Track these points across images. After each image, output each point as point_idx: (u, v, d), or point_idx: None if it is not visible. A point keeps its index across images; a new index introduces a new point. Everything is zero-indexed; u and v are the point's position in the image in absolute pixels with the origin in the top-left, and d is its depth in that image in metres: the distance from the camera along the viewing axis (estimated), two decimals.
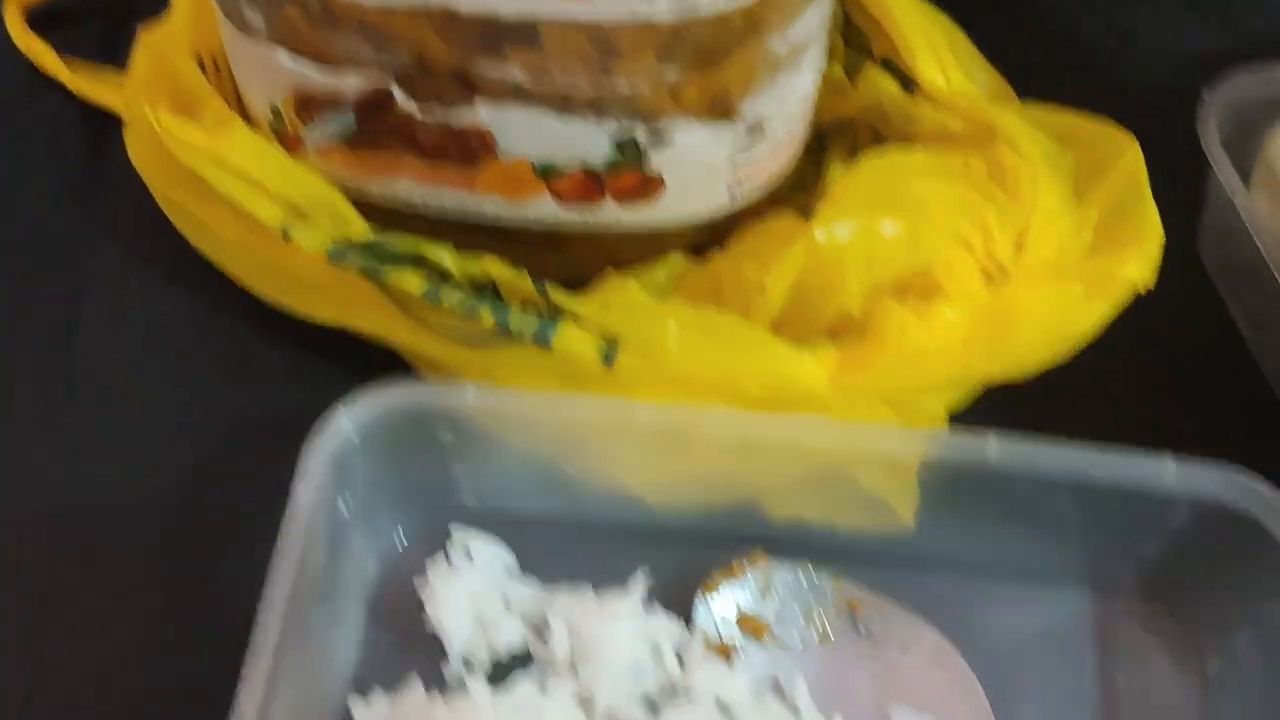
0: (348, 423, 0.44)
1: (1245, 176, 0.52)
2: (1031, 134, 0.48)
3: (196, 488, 0.50)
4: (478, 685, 0.44)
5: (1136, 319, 0.47)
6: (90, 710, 0.45)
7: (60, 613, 0.47)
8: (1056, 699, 0.46)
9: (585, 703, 0.44)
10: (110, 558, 0.48)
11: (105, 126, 0.58)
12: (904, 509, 0.46)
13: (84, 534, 0.49)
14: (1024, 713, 0.45)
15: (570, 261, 0.50)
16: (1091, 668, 0.46)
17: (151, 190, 0.53)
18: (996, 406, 0.47)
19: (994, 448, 0.43)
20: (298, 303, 0.51)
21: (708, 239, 0.50)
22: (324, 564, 0.44)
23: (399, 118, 0.45)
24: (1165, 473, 0.43)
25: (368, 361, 0.50)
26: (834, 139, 0.54)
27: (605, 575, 0.47)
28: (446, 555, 0.48)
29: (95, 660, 0.46)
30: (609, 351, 0.45)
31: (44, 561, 0.48)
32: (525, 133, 0.44)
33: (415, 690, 0.45)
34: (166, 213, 0.53)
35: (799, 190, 0.52)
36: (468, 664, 0.46)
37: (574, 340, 0.45)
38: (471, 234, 0.49)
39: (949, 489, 0.45)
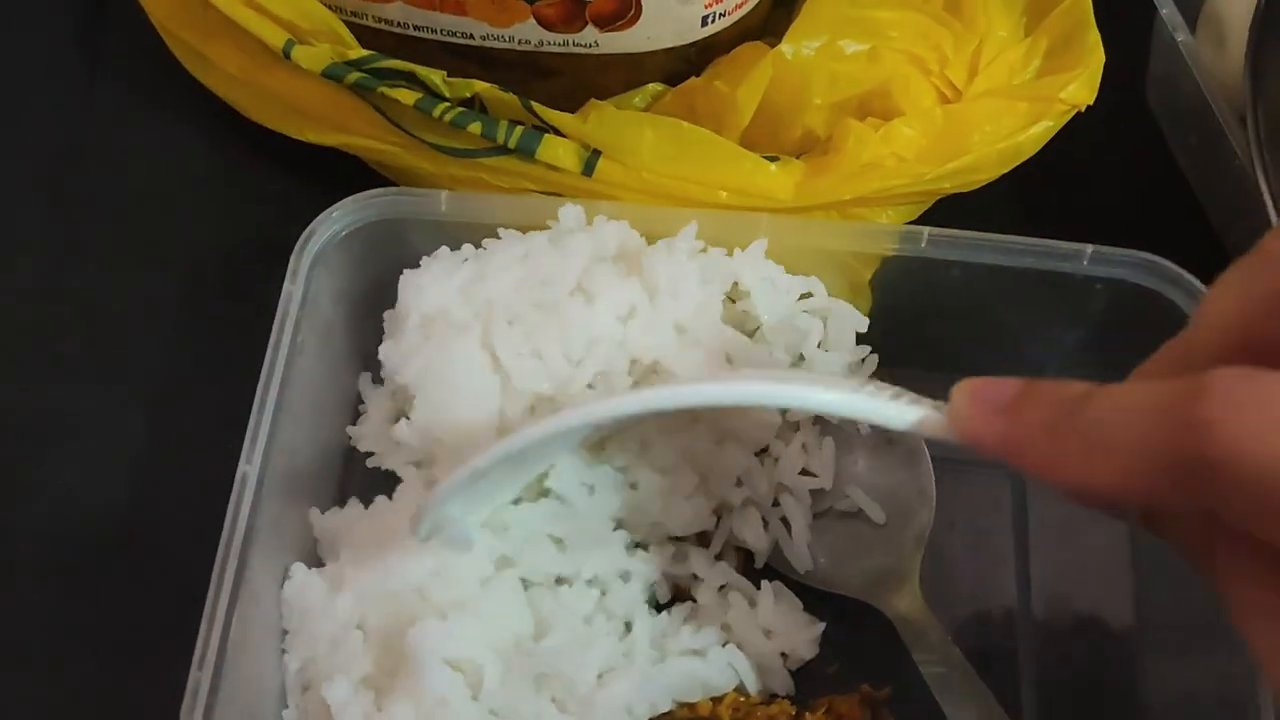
0: (331, 225, 0.48)
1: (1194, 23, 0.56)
2: None
3: (197, 291, 0.54)
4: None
5: (1084, 158, 0.51)
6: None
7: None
8: (986, 481, 0.50)
9: None
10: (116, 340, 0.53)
11: None
12: (860, 308, 0.49)
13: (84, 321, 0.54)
14: (960, 493, 0.49)
15: (554, 91, 0.52)
16: None
17: (155, 25, 0.56)
18: (946, 218, 0.50)
19: (926, 237, 0.47)
20: (297, 128, 0.54)
21: (684, 70, 0.53)
22: (313, 357, 0.47)
23: None
24: (1082, 256, 0.47)
25: (361, 184, 0.52)
26: None
27: None
28: None
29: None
30: (590, 160, 0.48)
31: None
32: None
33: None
34: (171, 48, 0.56)
35: (772, 35, 0.55)
36: None
37: (557, 150, 0.49)
38: (462, 63, 0.52)
39: (896, 288, 0.49)
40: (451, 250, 0.48)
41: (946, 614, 0.46)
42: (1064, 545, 0.49)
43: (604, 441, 0.46)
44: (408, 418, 0.45)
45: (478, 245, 0.49)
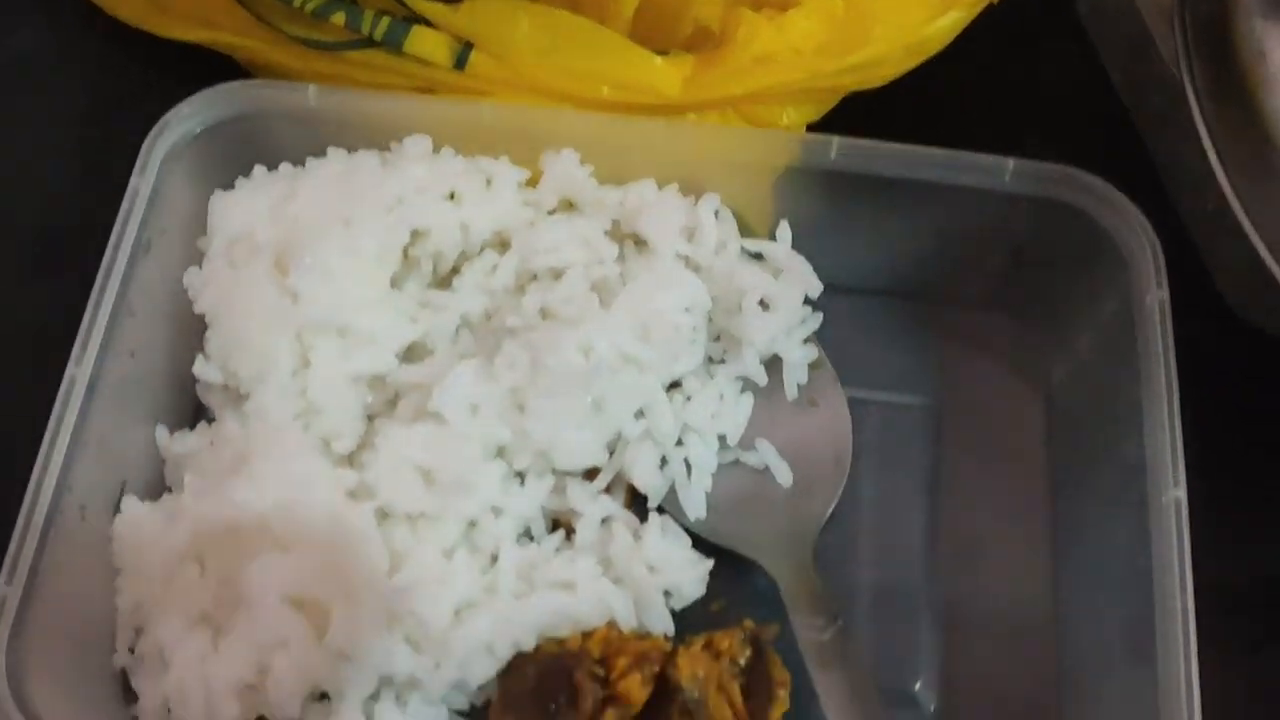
0: (187, 119, 0.44)
1: None
2: None
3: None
4: None
5: (1002, 55, 0.48)
6: None
7: None
8: (907, 411, 0.46)
9: None
10: None
11: None
12: (759, 221, 0.46)
13: None
14: (875, 427, 0.46)
15: None
16: (940, 379, 0.46)
17: None
18: (854, 118, 0.47)
19: (835, 147, 0.43)
20: (160, 24, 0.50)
21: None
22: (163, 259, 0.43)
23: None
24: (1003, 171, 0.43)
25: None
26: None
27: None
28: None
29: None
30: (461, 54, 0.45)
31: None
32: None
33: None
34: None
35: None
36: None
37: (426, 42, 0.45)
38: None
39: (802, 199, 0.45)
40: (317, 156, 0.45)
41: (841, 585, 0.43)
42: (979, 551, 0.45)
43: (500, 342, 0.42)
44: (204, 353, 0.43)
45: (350, 148, 0.45)
